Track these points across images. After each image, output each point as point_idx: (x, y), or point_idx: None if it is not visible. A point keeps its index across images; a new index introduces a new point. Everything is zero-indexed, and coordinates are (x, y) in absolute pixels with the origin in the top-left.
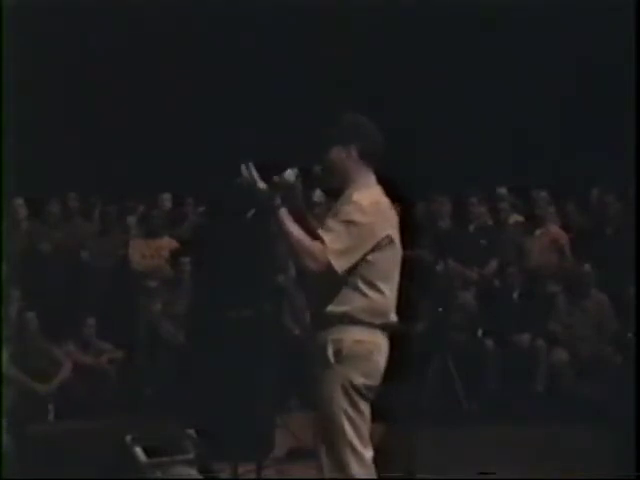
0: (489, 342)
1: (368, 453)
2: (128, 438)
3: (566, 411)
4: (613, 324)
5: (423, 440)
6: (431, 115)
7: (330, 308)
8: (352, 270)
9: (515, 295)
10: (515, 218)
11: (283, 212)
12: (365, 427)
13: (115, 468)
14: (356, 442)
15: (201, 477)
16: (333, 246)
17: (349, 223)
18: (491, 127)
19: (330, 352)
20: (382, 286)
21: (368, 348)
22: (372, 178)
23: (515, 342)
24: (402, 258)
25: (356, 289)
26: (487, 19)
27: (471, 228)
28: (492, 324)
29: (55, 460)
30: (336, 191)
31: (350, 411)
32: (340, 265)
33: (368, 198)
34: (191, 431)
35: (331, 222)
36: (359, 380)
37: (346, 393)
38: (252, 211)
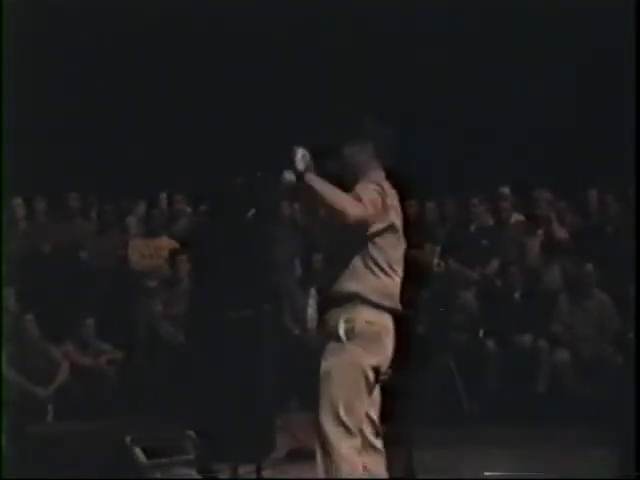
0: (490, 342)
1: (360, 439)
2: (128, 439)
3: (567, 411)
4: (614, 324)
5: (423, 440)
6: (432, 114)
7: (344, 287)
8: (364, 251)
9: (516, 295)
10: (516, 217)
11: (310, 178)
12: (360, 410)
13: (115, 469)
14: (347, 419)
15: (201, 478)
16: (366, 201)
17: (372, 189)
18: (491, 127)
19: (342, 330)
20: (390, 271)
21: (377, 330)
22: (382, 175)
23: (516, 342)
24: (405, 256)
25: (368, 269)
26: (488, 19)
27: (472, 228)
28: (493, 324)
29: (55, 461)
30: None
31: (348, 387)
32: (370, 211)
33: (381, 184)
34: (191, 432)
35: (359, 187)
36: (368, 360)
37: (350, 371)
38: (252, 211)
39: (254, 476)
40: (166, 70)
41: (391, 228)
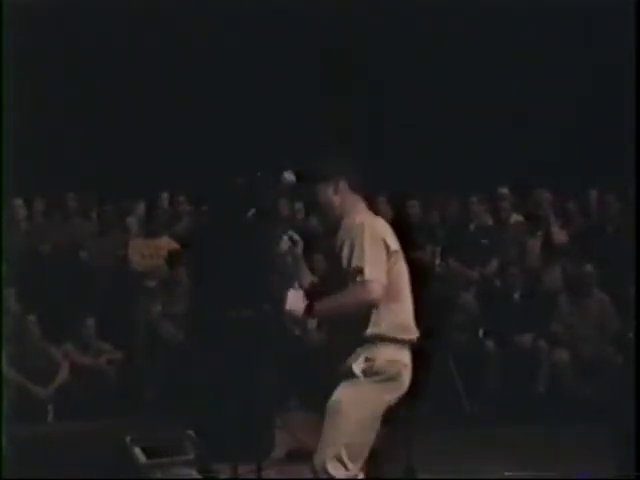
0: (490, 342)
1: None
2: (128, 439)
3: (566, 411)
4: (614, 324)
5: (423, 440)
6: (432, 114)
7: (362, 328)
8: None
9: (516, 295)
10: (516, 218)
11: (316, 309)
12: (363, 449)
13: (115, 469)
14: (343, 453)
15: (201, 478)
16: (371, 276)
17: (363, 243)
18: (492, 127)
19: (359, 368)
20: (403, 298)
21: (398, 369)
22: (363, 206)
23: (516, 342)
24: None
25: (384, 307)
26: (487, 19)
27: (472, 228)
28: (493, 324)
29: (55, 460)
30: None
31: (354, 423)
32: (383, 281)
33: (367, 218)
34: (191, 432)
35: (354, 257)
36: (383, 398)
37: (362, 410)
38: (252, 211)
39: (254, 476)
40: (166, 70)
41: (395, 255)
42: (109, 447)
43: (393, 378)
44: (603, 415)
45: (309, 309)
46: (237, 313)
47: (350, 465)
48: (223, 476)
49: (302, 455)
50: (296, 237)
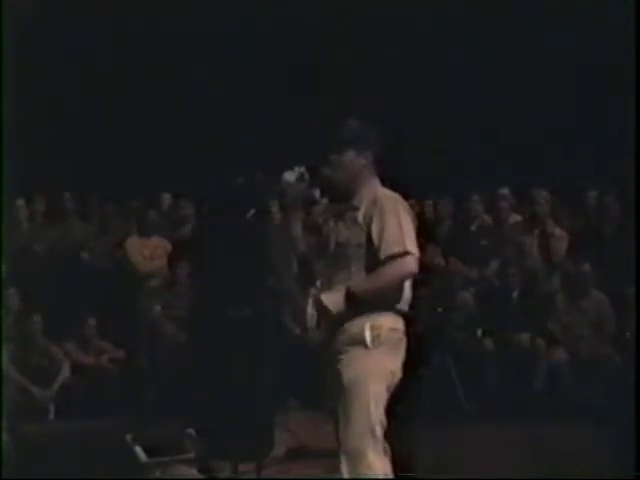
0: (488, 342)
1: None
2: (128, 437)
3: (566, 411)
4: (612, 324)
5: (423, 440)
6: (432, 114)
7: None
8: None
9: (515, 295)
10: (515, 218)
11: (357, 295)
12: (384, 416)
13: (115, 468)
14: (378, 428)
15: (201, 477)
16: (410, 248)
17: (399, 218)
18: (491, 127)
19: (368, 337)
20: None
21: (399, 337)
22: (378, 181)
23: (514, 342)
24: None
25: None
26: (487, 19)
27: (472, 228)
28: (491, 324)
29: (55, 460)
30: (339, 194)
31: (378, 395)
32: (417, 254)
33: (390, 192)
34: (191, 431)
35: (387, 229)
36: (390, 366)
37: (378, 378)
38: (252, 211)
39: (254, 475)
40: (166, 70)
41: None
42: (109, 446)
43: (395, 346)
44: (602, 415)
45: (349, 298)
46: (237, 313)
47: (380, 435)
48: (223, 475)
49: (302, 454)
50: (306, 175)
